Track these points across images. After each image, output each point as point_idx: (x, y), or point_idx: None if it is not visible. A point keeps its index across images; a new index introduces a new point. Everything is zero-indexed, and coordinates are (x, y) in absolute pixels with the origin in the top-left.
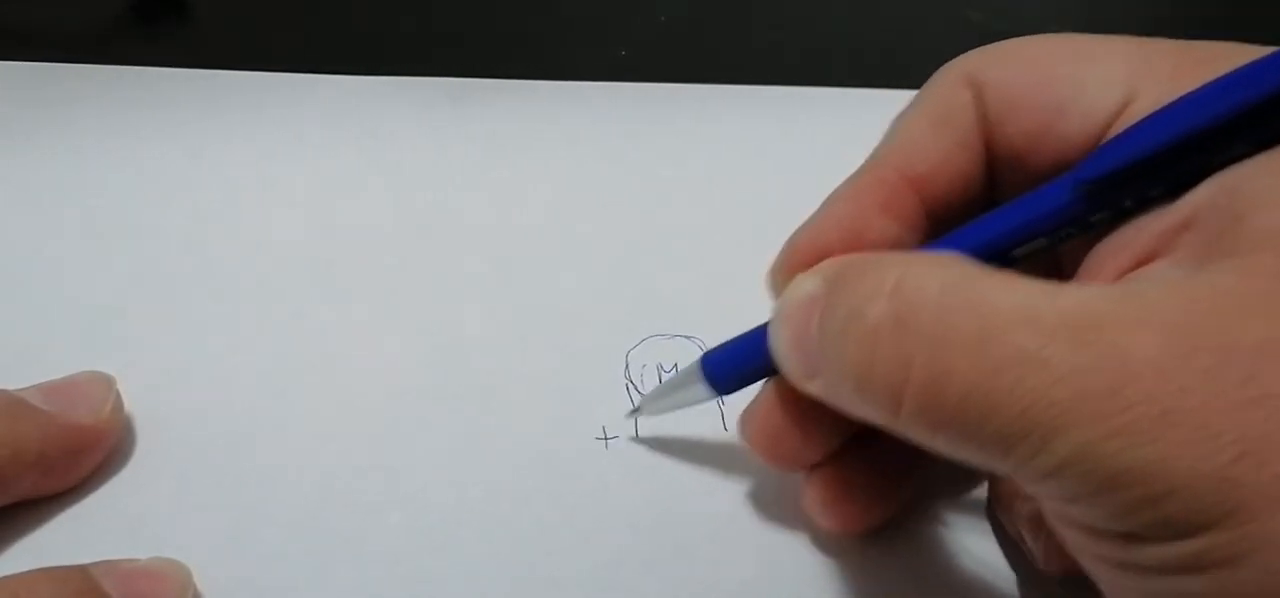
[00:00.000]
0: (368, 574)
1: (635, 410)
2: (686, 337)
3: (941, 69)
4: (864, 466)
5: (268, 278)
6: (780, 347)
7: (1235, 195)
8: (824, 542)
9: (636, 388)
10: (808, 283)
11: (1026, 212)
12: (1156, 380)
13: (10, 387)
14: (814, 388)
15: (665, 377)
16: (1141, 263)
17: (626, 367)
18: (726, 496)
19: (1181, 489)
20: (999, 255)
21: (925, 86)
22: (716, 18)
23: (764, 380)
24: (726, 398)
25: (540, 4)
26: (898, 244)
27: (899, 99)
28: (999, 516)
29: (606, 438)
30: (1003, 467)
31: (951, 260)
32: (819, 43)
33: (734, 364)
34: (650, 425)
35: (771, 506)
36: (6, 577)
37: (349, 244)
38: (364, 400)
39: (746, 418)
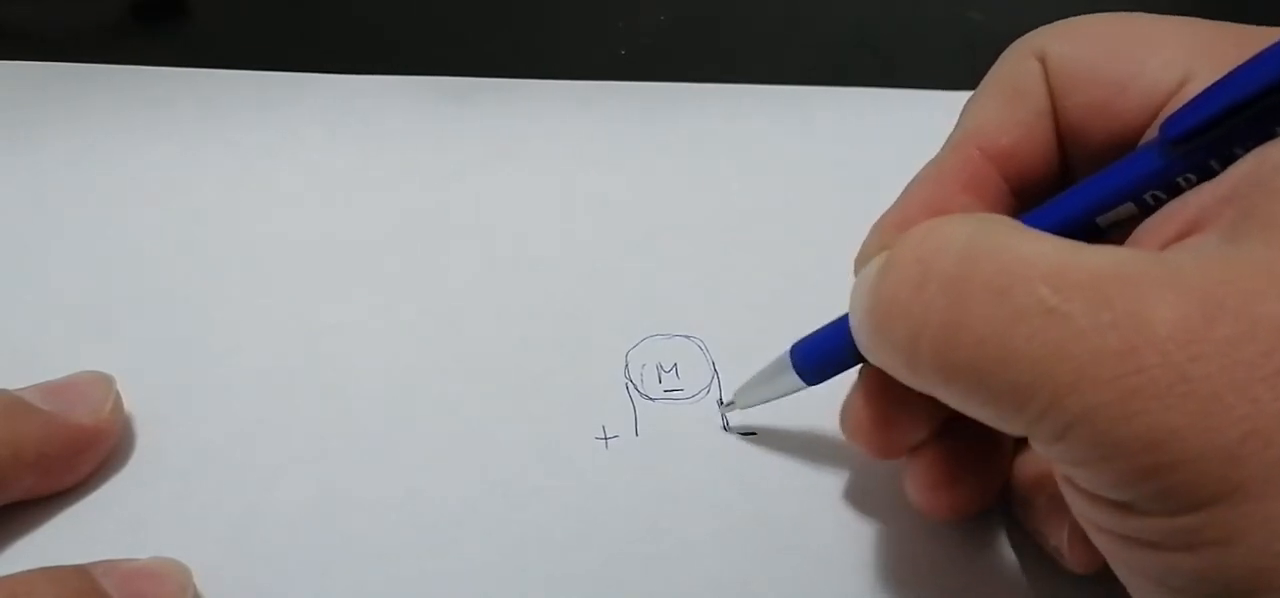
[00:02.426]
0: (368, 574)
1: (728, 404)
2: (686, 336)
3: (1008, 48)
4: (962, 450)
5: (268, 278)
6: (853, 323)
7: (1276, 169)
8: (824, 542)
9: (636, 388)
10: (880, 259)
11: (1114, 178)
12: (1174, 346)
13: (10, 387)
14: (875, 360)
15: (665, 377)
16: (1184, 235)
17: (626, 367)
18: (727, 496)
19: (1187, 462)
20: (1087, 225)
21: (994, 67)
22: (716, 18)
23: (858, 370)
24: (723, 400)
25: (540, 4)
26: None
27: (900, 98)
28: (1017, 515)
29: (606, 438)
30: (1013, 424)
31: (985, 216)
32: (819, 43)
33: (819, 353)
34: (656, 426)
35: (772, 505)
36: (6, 577)
37: (349, 244)
38: (364, 400)
39: (844, 413)
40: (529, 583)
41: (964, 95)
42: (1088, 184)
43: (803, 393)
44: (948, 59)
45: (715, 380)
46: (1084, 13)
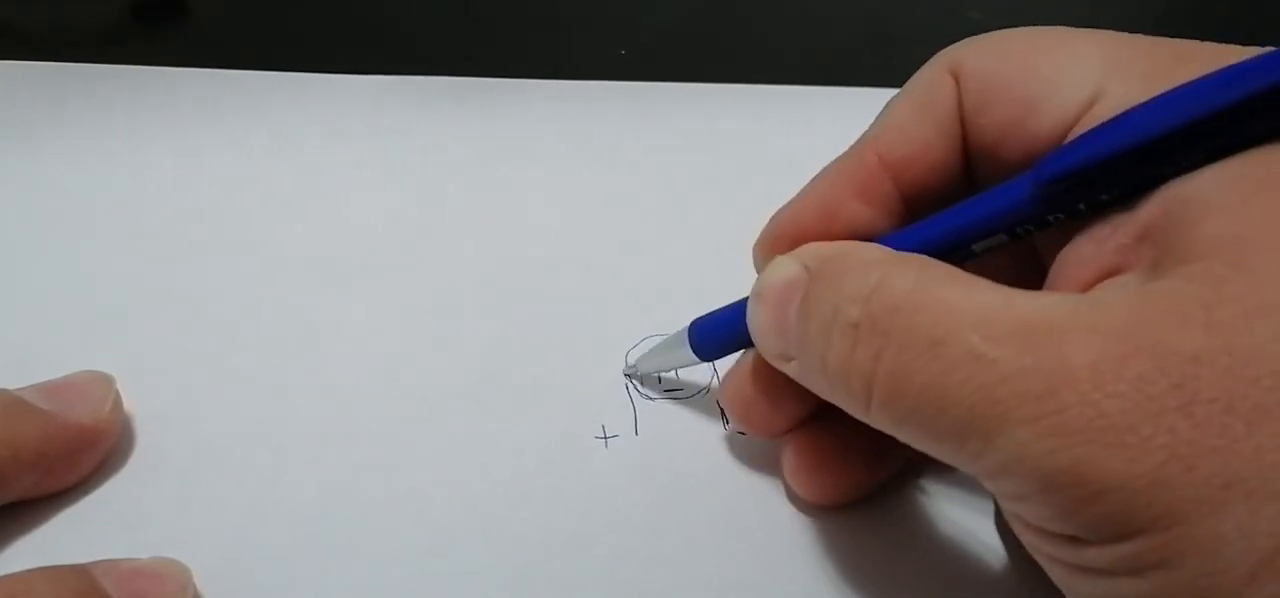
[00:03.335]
0: (368, 574)
1: (631, 368)
2: None
3: (933, 57)
4: (837, 437)
5: (267, 277)
6: (757, 327)
7: (1186, 204)
8: (825, 541)
9: (637, 387)
10: (787, 267)
11: (985, 207)
12: (1091, 384)
13: (10, 386)
14: (789, 369)
15: (664, 376)
16: (1107, 275)
17: (626, 366)
18: (726, 494)
19: (1112, 492)
20: (960, 248)
21: (916, 74)
22: (716, 18)
23: (744, 351)
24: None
25: (540, 4)
26: (869, 229)
27: None
28: (1014, 528)
29: (606, 437)
30: (959, 462)
31: (924, 263)
32: (819, 43)
33: (717, 333)
34: (656, 426)
35: (772, 505)
36: (5, 576)
37: (349, 243)
38: (364, 400)
39: (724, 386)
40: (529, 583)
41: None
42: (961, 209)
43: None
44: None
45: (715, 380)
46: (1077, 15)
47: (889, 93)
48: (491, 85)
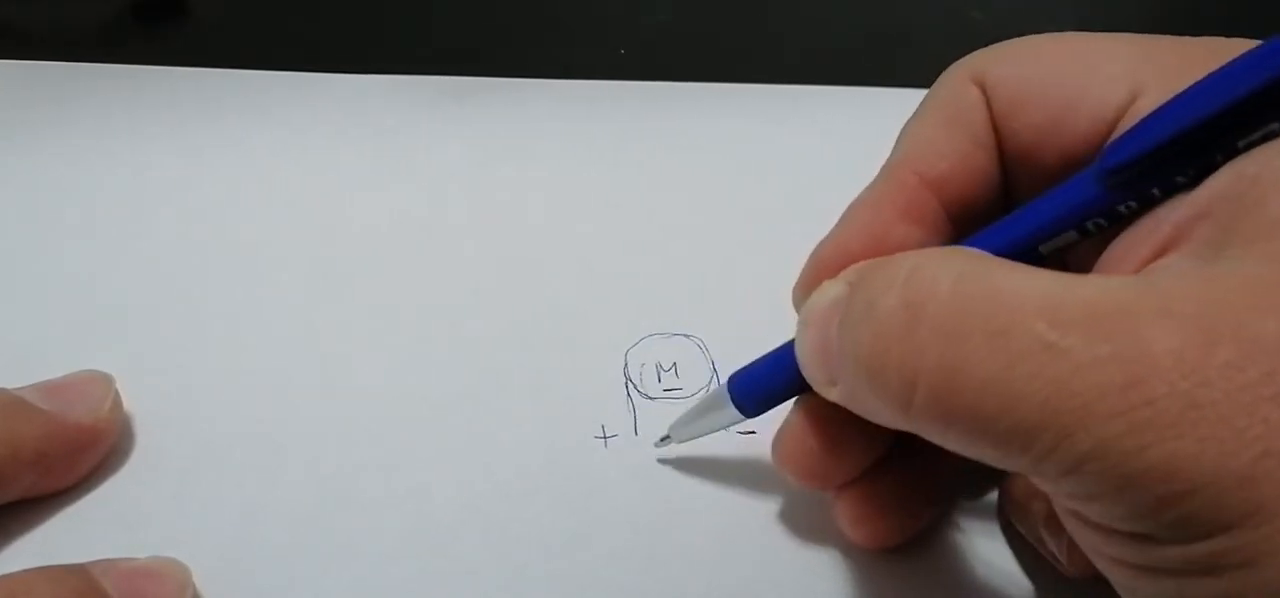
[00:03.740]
0: (368, 574)
1: (665, 439)
2: (686, 335)
3: (946, 71)
4: (893, 482)
5: (267, 277)
6: (804, 354)
7: (1254, 182)
8: (825, 542)
9: (636, 387)
10: (832, 289)
11: (1053, 206)
12: (1179, 373)
13: (9, 386)
14: (835, 394)
15: (664, 376)
16: (1160, 254)
17: (625, 366)
18: (726, 494)
19: (1204, 488)
20: (1028, 252)
21: (931, 90)
22: (716, 18)
23: (794, 401)
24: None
25: (540, 4)
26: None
27: (900, 98)
28: (1013, 519)
29: (606, 437)
30: (1019, 463)
31: (967, 253)
32: (819, 43)
33: (760, 384)
34: (656, 425)
35: (772, 505)
36: (5, 576)
37: (349, 243)
38: (364, 400)
39: (777, 440)
40: (529, 583)
41: None
42: (1026, 212)
43: None
44: (948, 59)
45: (714, 380)
46: (1077, 16)
47: (889, 93)
48: (492, 85)
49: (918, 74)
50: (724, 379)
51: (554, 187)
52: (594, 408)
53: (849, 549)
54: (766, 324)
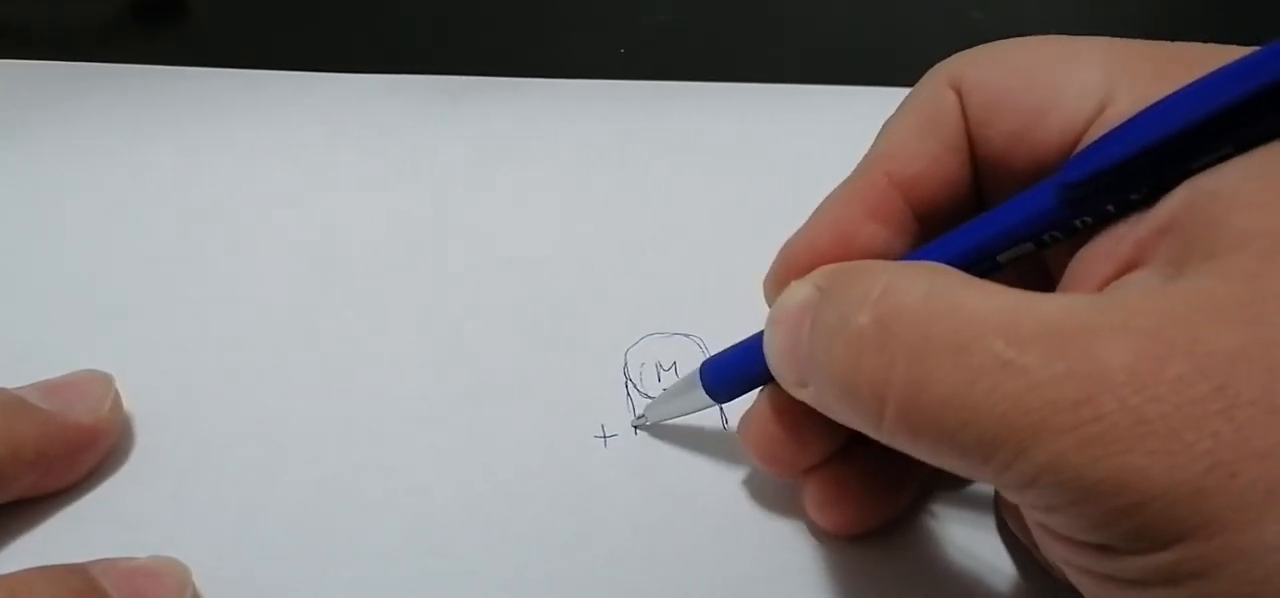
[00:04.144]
0: (368, 574)
1: (640, 418)
2: (685, 335)
3: (928, 72)
4: (860, 469)
5: (267, 277)
6: (773, 354)
7: (1213, 198)
8: (825, 541)
9: (636, 387)
10: (801, 290)
11: (1010, 217)
12: (1129, 389)
13: (9, 386)
14: (806, 396)
15: (664, 376)
16: (1123, 271)
17: (625, 366)
18: (726, 494)
19: (1154, 500)
20: (985, 260)
21: (912, 91)
22: (716, 17)
23: (760, 388)
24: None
25: (540, 3)
26: (887, 249)
27: (900, 98)
28: (1006, 519)
29: (606, 437)
30: (982, 475)
31: (936, 269)
32: (819, 43)
33: (731, 372)
34: (655, 430)
35: (771, 504)
36: (5, 576)
37: (348, 243)
38: (363, 399)
39: (743, 425)
40: (529, 583)
41: None
42: (985, 220)
43: None
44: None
45: None
46: (1077, 15)
47: (889, 93)
48: (491, 85)
49: (917, 74)
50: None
51: (554, 186)
52: (594, 408)
53: (850, 550)
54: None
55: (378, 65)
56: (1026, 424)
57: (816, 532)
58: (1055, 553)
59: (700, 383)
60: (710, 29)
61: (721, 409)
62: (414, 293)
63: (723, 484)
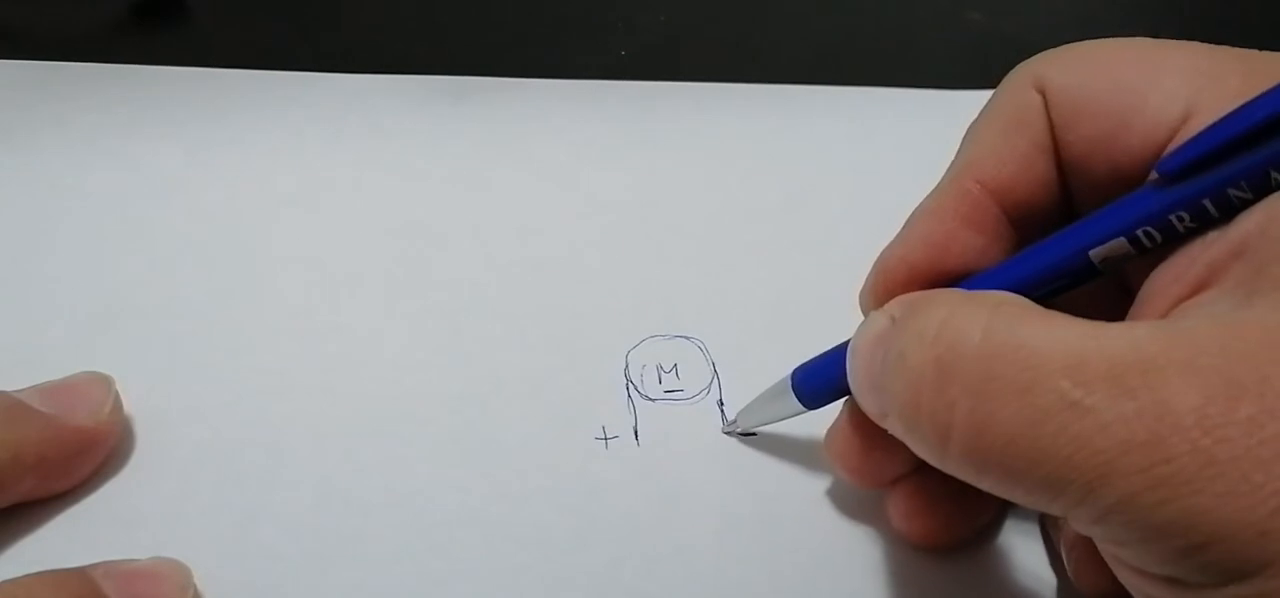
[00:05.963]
0: (368, 574)
1: (731, 424)
2: (686, 337)
3: (1010, 74)
4: (946, 479)
5: (267, 277)
6: (854, 385)
7: None
8: (824, 542)
9: (637, 389)
10: (877, 322)
11: (1107, 220)
12: (1199, 431)
13: (10, 388)
14: (888, 426)
15: (665, 377)
16: (1195, 292)
17: (626, 366)
18: (727, 495)
19: (1222, 540)
20: (1083, 265)
21: (995, 93)
22: (717, 17)
23: (845, 400)
24: (723, 400)
25: (541, 3)
26: (982, 258)
27: (900, 98)
28: (1048, 529)
29: (606, 438)
30: (1053, 509)
31: (998, 302)
32: (819, 43)
33: (819, 382)
34: (656, 426)
35: (772, 505)
36: (6, 581)
37: (349, 243)
38: (364, 400)
39: (828, 438)
40: (529, 583)
41: (964, 95)
42: (1080, 227)
43: None
44: (948, 59)
45: (715, 381)
46: (1077, 16)
47: (889, 93)
48: (491, 85)
49: (917, 74)
50: (727, 378)
51: (553, 187)
52: (595, 409)
53: (850, 550)
54: (767, 325)
55: (379, 66)
56: (1095, 465)
57: (817, 534)
58: (1127, 580)
59: (790, 390)
60: (710, 30)
61: (721, 412)
62: (414, 294)
63: (723, 486)
